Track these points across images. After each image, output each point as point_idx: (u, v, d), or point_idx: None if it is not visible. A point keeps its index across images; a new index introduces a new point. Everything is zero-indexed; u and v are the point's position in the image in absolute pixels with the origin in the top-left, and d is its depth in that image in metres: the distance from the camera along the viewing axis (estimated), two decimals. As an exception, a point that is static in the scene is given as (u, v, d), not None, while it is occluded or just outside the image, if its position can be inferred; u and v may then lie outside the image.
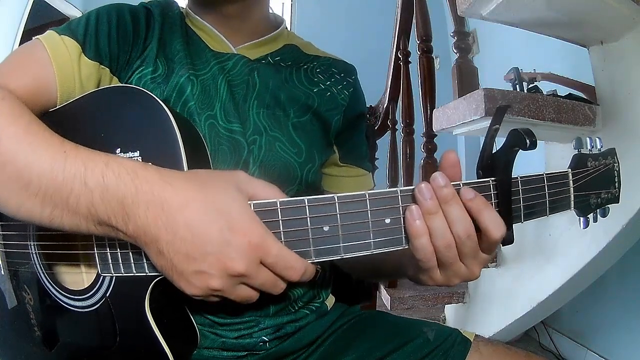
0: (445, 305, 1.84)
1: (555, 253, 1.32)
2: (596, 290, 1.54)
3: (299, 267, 0.38)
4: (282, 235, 0.39)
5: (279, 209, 0.39)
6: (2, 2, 2.83)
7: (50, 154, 0.39)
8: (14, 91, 0.46)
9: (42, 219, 0.40)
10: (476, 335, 0.58)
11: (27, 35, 3.12)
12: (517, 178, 0.43)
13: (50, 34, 0.52)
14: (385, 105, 2.06)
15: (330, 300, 0.68)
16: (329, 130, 0.64)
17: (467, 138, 2.91)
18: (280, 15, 0.74)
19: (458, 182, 0.41)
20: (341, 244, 0.39)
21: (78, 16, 0.58)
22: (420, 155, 1.72)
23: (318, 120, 0.63)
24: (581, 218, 0.49)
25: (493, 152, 0.42)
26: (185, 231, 0.36)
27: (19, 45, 3.01)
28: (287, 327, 0.59)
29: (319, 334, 0.62)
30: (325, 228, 0.39)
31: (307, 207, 0.39)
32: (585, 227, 0.49)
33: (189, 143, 0.44)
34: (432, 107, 1.59)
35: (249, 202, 0.39)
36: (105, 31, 0.54)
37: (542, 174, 0.44)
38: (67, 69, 0.51)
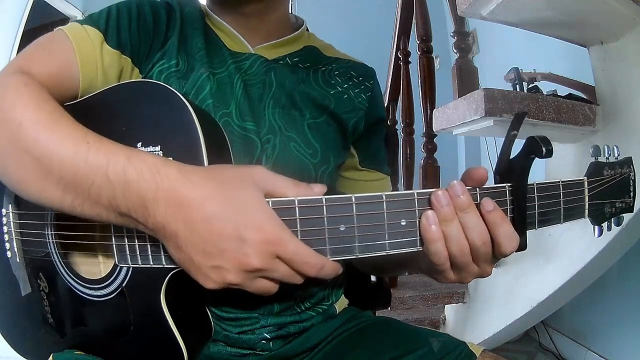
0: (446, 305, 1.84)
1: (556, 253, 1.32)
2: (596, 290, 1.54)
3: (315, 262, 0.38)
4: (298, 234, 0.39)
5: (296, 207, 0.39)
6: (2, 2, 2.83)
7: (73, 144, 0.39)
8: (37, 77, 0.46)
9: (63, 206, 0.41)
10: (483, 350, 0.57)
11: (27, 35, 3.12)
12: (532, 184, 0.43)
13: (72, 24, 0.52)
14: (385, 105, 2.06)
15: (341, 304, 0.67)
16: (345, 133, 0.64)
17: (467, 138, 2.91)
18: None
19: (475, 187, 0.41)
20: (357, 244, 0.40)
21: (78, 17, 0.59)
22: (420, 155, 1.72)
23: (335, 121, 0.62)
24: (596, 227, 0.49)
25: (510, 157, 0.42)
26: (203, 228, 0.37)
27: (19, 45, 3.01)
28: (291, 327, 0.59)
29: (324, 337, 0.61)
30: (342, 228, 0.39)
31: (324, 206, 0.39)
32: (600, 236, 0.49)
33: (210, 138, 0.44)
34: (432, 107, 1.59)
35: (266, 200, 0.39)
36: (126, 22, 0.54)
37: (559, 181, 0.45)
38: (90, 57, 0.51)
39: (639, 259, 1.43)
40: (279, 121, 0.58)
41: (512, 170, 0.42)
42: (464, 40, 1.60)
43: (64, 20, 3.51)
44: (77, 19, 0.53)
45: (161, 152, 0.43)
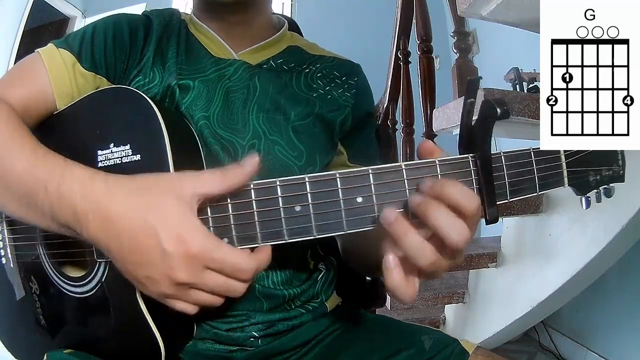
0: (445, 305, 1.84)
1: (555, 253, 1.32)
2: (596, 290, 1.54)
3: (248, 267, 0.39)
4: (255, 216, 0.40)
5: (252, 190, 0.40)
6: (2, 2, 2.83)
7: (25, 161, 0.43)
8: (13, 102, 0.51)
9: (21, 218, 0.45)
10: (477, 347, 0.56)
11: (27, 35, 3.12)
12: (499, 154, 0.41)
13: (49, 47, 0.56)
14: (385, 105, 2.06)
15: (333, 301, 0.67)
16: (332, 132, 0.64)
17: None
18: (282, 17, 0.74)
19: (433, 160, 0.40)
20: (313, 224, 0.40)
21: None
22: (420, 155, 1.71)
23: (321, 122, 0.63)
24: (582, 198, 0.46)
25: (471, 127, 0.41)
26: (130, 242, 0.38)
27: (19, 44, 3.01)
28: (279, 325, 0.59)
29: (314, 335, 0.61)
30: (297, 208, 0.40)
31: (278, 187, 0.40)
32: (587, 207, 0.46)
33: (175, 136, 0.47)
34: (432, 107, 1.59)
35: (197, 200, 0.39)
36: (101, 42, 0.57)
37: (529, 149, 0.42)
38: (63, 79, 0.55)
39: (639, 259, 1.43)
40: (263, 126, 0.59)
41: (474, 139, 0.40)
42: (464, 40, 1.60)
43: (64, 20, 3.51)
44: (66, 35, 0.58)
45: (130, 150, 0.47)
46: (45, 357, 0.50)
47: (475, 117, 0.41)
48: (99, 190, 0.39)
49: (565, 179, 0.44)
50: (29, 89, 0.54)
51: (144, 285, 0.40)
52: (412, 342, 0.57)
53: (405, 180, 0.40)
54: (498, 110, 0.38)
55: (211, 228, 0.41)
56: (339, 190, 0.39)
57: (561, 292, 1.31)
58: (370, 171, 0.39)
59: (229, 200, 0.40)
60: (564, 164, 0.44)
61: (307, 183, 0.39)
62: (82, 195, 0.39)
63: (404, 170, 0.39)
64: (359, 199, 0.39)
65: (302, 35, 0.75)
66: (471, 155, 0.40)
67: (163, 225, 0.37)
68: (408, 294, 0.39)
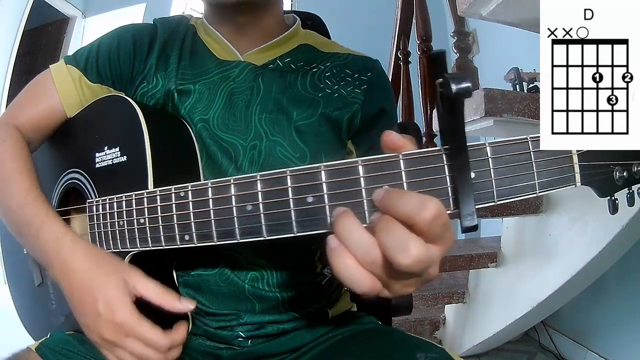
0: (446, 305, 1.85)
1: (555, 253, 1.32)
2: (596, 290, 1.54)
3: (161, 344, 0.46)
4: (211, 214, 0.41)
5: (209, 188, 0.41)
6: (2, 2, 2.83)
7: (18, 200, 0.52)
8: (25, 122, 0.60)
9: (19, 241, 0.56)
10: None
11: (27, 35, 3.13)
12: (484, 144, 0.34)
13: (60, 63, 0.62)
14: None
15: (340, 307, 0.65)
16: (340, 131, 0.62)
17: (467, 138, 2.90)
18: (303, 14, 0.73)
19: (397, 154, 0.35)
20: (263, 224, 0.38)
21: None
22: (420, 155, 1.71)
23: (327, 121, 0.61)
24: (608, 201, 0.37)
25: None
26: (77, 294, 0.48)
27: (19, 44, 3.02)
28: (268, 328, 0.58)
29: (307, 342, 0.59)
30: (249, 207, 0.38)
31: (232, 185, 0.39)
32: (614, 213, 0.37)
33: (162, 138, 0.52)
34: (432, 107, 1.59)
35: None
36: (105, 56, 0.61)
37: (526, 137, 0.34)
38: (71, 91, 0.60)
39: (639, 259, 1.43)
40: (265, 126, 0.58)
41: (445, 126, 0.33)
42: (464, 40, 1.61)
43: (64, 20, 3.52)
44: (72, 51, 0.64)
45: (119, 152, 0.52)
46: (48, 335, 0.55)
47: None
48: (64, 250, 0.49)
49: (577, 176, 0.35)
50: (40, 107, 0.61)
51: (83, 328, 0.48)
52: (404, 357, 0.52)
53: (362, 179, 0.35)
54: (453, 87, 0.31)
55: (175, 225, 0.43)
56: (289, 188, 0.37)
57: (561, 292, 1.32)
58: (322, 168, 0.36)
59: (190, 198, 0.42)
60: (574, 157, 0.35)
61: (257, 181, 0.38)
62: (53, 249, 0.49)
63: (360, 167, 0.35)
64: (310, 199, 0.36)
65: (328, 32, 0.74)
66: (445, 147, 0.34)
67: (101, 293, 0.46)
68: (363, 282, 0.32)
